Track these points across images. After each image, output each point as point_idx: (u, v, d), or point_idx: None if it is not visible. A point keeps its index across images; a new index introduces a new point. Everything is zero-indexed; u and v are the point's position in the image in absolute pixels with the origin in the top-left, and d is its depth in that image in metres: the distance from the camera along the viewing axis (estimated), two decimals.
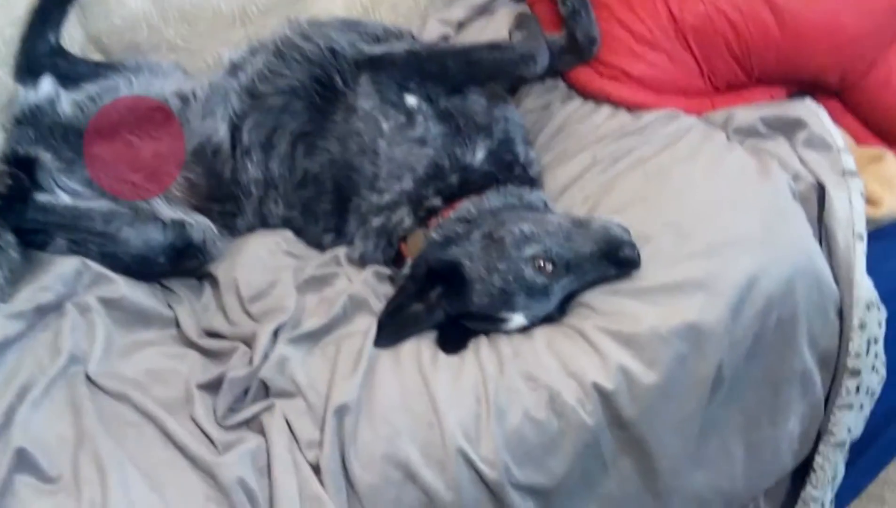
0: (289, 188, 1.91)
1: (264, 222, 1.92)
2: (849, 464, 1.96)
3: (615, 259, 1.69)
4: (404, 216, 1.80)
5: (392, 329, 1.68)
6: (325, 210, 1.88)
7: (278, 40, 1.99)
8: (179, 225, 1.79)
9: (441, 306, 1.74)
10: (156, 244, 1.77)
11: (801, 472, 1.98)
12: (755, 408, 1.82)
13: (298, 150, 1.93)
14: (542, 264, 1.70)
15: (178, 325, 1.79)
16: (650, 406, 1.67)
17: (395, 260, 1.89)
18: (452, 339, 1.69)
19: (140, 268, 1.78)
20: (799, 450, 1.93)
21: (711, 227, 1.76)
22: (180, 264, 1.81)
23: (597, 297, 1.77)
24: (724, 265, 1.70)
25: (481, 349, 1.73)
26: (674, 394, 1.69)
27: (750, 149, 2.00)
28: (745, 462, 1.84)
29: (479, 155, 1.90)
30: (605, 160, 1.95)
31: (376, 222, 1.87)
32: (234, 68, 2.00)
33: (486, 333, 1.72)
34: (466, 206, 1.77)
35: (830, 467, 1.96)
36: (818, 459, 1.95)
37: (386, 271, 1.84)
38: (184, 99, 1.95)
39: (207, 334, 1.77)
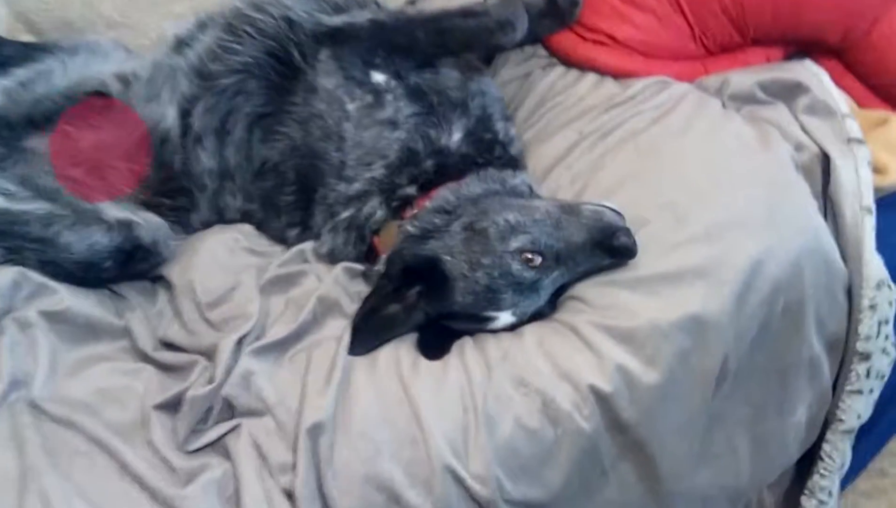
0: (247, 179, 1.77)
1: (221, 217, 1.79)
2: (853, 444, 1.89)
3: (609, 248, 1.55)
4: (376, 207, 1.65)
5: (368, 334, 1.54)
6: (287, 202, 1.74)
7: (228, 12, 1.79)
8: (126, 226, 1.64)
9: (420, 306, 1.59)
10: (101, 249, 1.62)
11: (806, 459, 1.89)
12: (761, 399, 1.71)
13: (255, 135, 1.75)
14: (529, 257, 1.55)
15: (130, 336, 1.64)
16: (651, 407, 1.55)
17: (368, 255, 1.73)
18: (434, 342, 1.56)
19: (85, 275, 1.64)
20: (806, 438, 1.82)
21: (711, 207, 1.65)
22: (129, 268, 1.66)
23: (590, 289, 1.64)
24: (726, 250, 1.59)
25: (466, 352, 1.59)
26: (676, 393, 1.57)
27: (748, 117, 1.88)
28: (750, 457, 1.73)
29: (455, 136, 1.73)
30: (592, 135, 1.83)
31: (345, 214, 1.71)
32: (180, 44, 1.81)
33: (471, 333, 1.59)
34: (444, 194, 1.62)
35: (839, 454, 1.86)
36: (826, 447, 1.85)
37: (358, 267, 1.67)
38: (124, 81, 1.76)
39: (164, 345, 1.64)
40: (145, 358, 1.62)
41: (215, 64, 1.76)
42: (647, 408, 1.54)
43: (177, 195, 1.73)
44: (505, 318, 1.58)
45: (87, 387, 1.56)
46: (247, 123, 1.73)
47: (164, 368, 1.60)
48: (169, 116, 1.74)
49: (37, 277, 1.62)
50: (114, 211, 1.65)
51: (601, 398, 1.52)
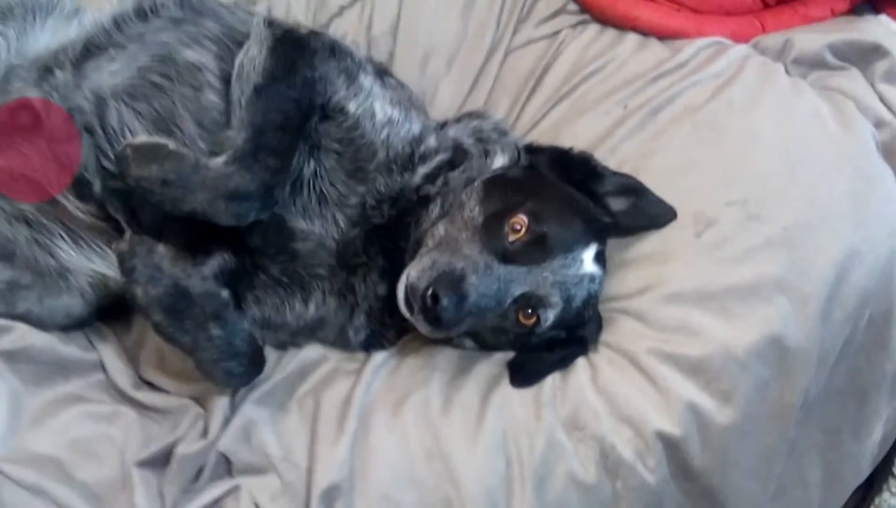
0: None
1: None
2: None
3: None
4: None
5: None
6: None
7: None
8: (100, 283, 1.43)
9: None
10: (77, 314, 1.45)
11: None
12: (837, 424, 1.52)
13: None
14: None
15: (105, 371, 1.43)
16: (725, 450, 1.35)
17: None
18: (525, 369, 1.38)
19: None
20: (877, 455, 1.63)
21: (788, 203, 1.45)
22: (109, 317, 1.49)
23: (649, 303, 1.41)
24: (808, 256, 1.41)
25: (506, 387, 1.36)
26: (752, 431, 1.37)
27: (818, 87, 1.64)
28: (821, 486, 1.56)
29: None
30: (640, 111, 1.60)
31: None
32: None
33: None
34: None
35: None
36: None
37: None
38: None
39: (145, 381, 1.43)
40: (123, 397, 1.41)
41: None
42: (721, 452, 1.34)
43: None
44: None
45: (57, 439, 1.32)
46: None
47: (146, 409, 1.40)
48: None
49: None
50: (82, 265, 1.42)
51: (669, 445, 1.32)
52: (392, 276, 1.35)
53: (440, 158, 1.44)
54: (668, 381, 1.32)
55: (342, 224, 1.38)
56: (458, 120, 1.55)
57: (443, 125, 1.52)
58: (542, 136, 1.61)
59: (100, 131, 1.38)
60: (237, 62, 1.36)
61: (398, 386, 1.37)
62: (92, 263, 1.42)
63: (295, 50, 1.35)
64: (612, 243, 1.45)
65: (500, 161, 1.45)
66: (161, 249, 1.27)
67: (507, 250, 1.30)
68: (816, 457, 1.52)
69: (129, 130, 1.37)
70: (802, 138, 1.51)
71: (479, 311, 1.26)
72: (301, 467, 1.29)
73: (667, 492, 1.34)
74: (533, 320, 1.33)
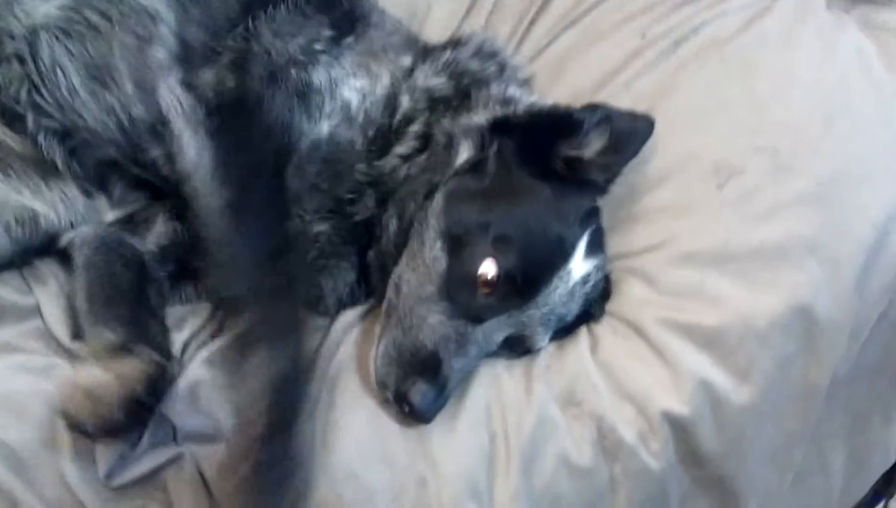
0: None
1: None
2: None
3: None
4: None
5: None
6: None
7: None
8: (30, 219, 1.28)
9: None
10: (1, 251, 1.28)
11: None
12: (866, 406, 1.41)
13: None
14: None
15: (41, 317, 1.28)
16: (740, 434, 1.22)
17: None
18: None
19: None
20: None
21: (823, 154, 1.30)
22: (42, 255, 1.32)
23: (658, 262, 1.27)
24: (844, 216, 1.27)
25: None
26: (772, 414, 1.24)
27: (862, 23, 1.50)
28: (844, 474, 1.44)
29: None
30: (660, 41, 1.45)
31: None
32: None
33: None
34: None
35: None
36: None
37: None
38: None
39: None
40: (59, 348, 1.24)
41: None
42: (736, 436, 1.22)
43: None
44: None
45: None
46: None
47: None
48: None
49: None
50: (11, 197, 1.27)
51: (677, 427, 1.19)
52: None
53: (410, 143, 1.30)
54: (678, 354, 1.19)
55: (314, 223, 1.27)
56: (443, 48, 1.38)
57: (425, 54, 1.35)
58: (546, 67, 1.46)
59: (31, 64, 1.24)
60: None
61: (370, 352, 1.21)
62: (21, 195, 1.27)
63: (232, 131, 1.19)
64: (619, 191, 1.30)
65: (464, 153, 1.28)
66: None
67: (480, 308, 1.16)
68: (840, 442, 1.39)
69: (62, 71, 1.22)
70: (843, 81, 1.37)
71: (462, 380, 1.16)
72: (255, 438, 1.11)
73: (672, 479, 1.21)
74: (524, 352, 1.22)
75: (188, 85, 1.22)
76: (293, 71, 1.25)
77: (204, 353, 1.19)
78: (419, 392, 1.10)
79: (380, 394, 1.16)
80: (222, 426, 1.15)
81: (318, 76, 1.26)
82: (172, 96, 1.21)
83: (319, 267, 1.28)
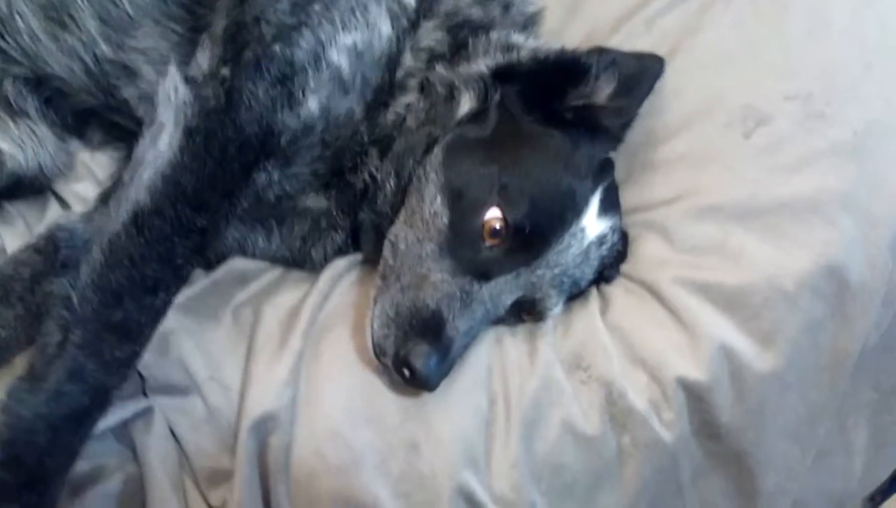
0: None
1: None
2: None
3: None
4: None
5: None
6: None
7: None
8: None
9: None
10: None
11: None
12: (894, 382, 1.30)
13: None
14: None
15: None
16: (761, 404, 1.14)
17: None
18: None
19: None
20: None
21: (860, 101, 1.21)
22: (13, 198, 1.25)
23: (676, 216, 1.18)
24: (882, 169, 1.17)
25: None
26: (797, 382, 1.15)
27: None
28: (865, 454, 1.34)
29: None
30: None
31: None
32: None
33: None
34: None
35: None
36: None
37: None
38: None
39: None
40: None
41: None
42: (757, 406, 1.13)
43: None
44: None
45: None
46: None
47: None
48: None
49: None
50: None
51: (693, 395, 1.10)
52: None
53: (411, 95, 1.20)
54: (697, 316, 1.11)
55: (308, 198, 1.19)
56: None
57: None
58: (561, 5, 1.34)
59: None
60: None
61: (361, 301, 1.14)
62: None
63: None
64: (635, 139, 1.22)
65: (466, 105, 1.19)
66: None
67: (485, 263, 1.07)
68: (864, 419, 1.31)
69: (20, 15, 1.14)
70: (883, 24, 1.27)
71: (467, 345, 1.08)
72: (231, 389, 1.09)
73: (684, 452, 1.13)
74: (535, 317, 1.14)
75: (187, 78, 1.14)
76: (277, 49, 1.14)
77: (179, 298, 1.09)
78: (421, 355, 1.01)
79: (378, 361, 1.06)
80: (196, 378, 1.07)
81: (304, 43, 1.15)
82: (171, 85, 1.13)
83: (312, 238, 1.20)
